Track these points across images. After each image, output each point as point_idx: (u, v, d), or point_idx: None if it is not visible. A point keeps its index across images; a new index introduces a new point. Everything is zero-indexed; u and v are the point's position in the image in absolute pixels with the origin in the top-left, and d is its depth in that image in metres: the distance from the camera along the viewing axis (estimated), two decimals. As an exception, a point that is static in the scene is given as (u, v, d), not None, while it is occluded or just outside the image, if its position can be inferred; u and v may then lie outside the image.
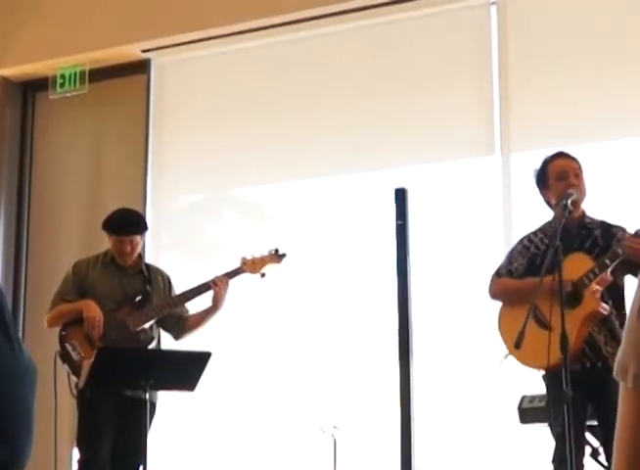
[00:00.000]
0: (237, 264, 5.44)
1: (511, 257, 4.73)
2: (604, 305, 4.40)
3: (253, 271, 5.43)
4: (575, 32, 5.91)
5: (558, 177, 4.59)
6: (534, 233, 4.71)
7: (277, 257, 5.50)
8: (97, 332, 5.17)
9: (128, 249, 5.32)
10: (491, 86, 6.05)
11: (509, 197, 5.89)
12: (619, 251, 4.34)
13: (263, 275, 5.44)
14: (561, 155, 4.68)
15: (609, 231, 4.55)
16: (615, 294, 4.47)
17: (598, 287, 4.39)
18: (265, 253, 5.49)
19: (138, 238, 5.38)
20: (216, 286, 5.31)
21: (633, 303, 1.34)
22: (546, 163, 4.67)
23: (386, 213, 4.19)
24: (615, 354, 4.33)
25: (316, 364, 6.16)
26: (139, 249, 5.42)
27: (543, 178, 4.66)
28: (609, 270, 4.38)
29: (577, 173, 4.60)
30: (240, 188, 6.88)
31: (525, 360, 4.45)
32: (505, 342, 4.51)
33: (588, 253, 4.48)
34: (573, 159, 4.66)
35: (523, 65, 5.99)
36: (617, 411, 1.33)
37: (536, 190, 4.72)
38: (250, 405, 6.23)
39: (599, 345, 4.40)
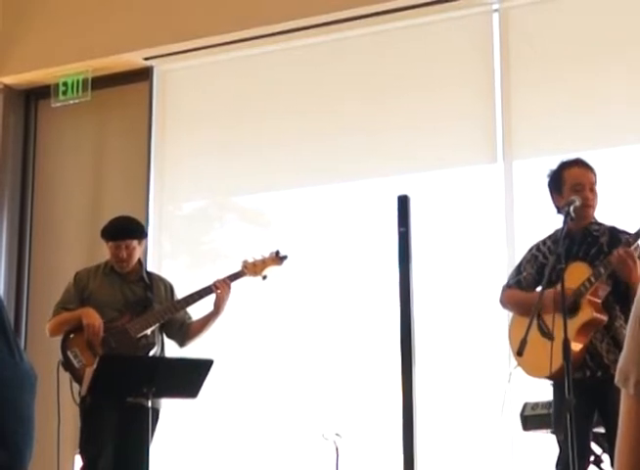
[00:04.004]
0: (238, 268, 5.44)
1: (520, 266, 4.72)
2: (598, 314, 4.39)
3: (255, 274, 5.42)
4: (577, 39, 5.91)
5: (573, 188, 4.48)
6: (543, 242, 4.66)
7: (278, 258, 5.49)
8: (97, 338, 5.18)
9: (124, 254, 5.31)
10: (493, 94, 6.04)
11: (511, 204, 5.88)
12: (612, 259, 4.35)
13: (265, 277, 5.43)
14: (579, 163, 4.57)
15: (616, 237, 4.49)
16: (622, 299, 4.45)
17: (595, 296, 4.38)
18: (266, 255, 5.48)
19: (134, 243, 5.36)
20: (217, 289, 5.30)
21: (634, 311, 1.34)
22: (562, 168, 4.56)
23: (388, 221, 4.20)
24: (616, 362, 4.30)
25: (318, 371, 6.15)
26: (136, 255, 5.40)
27: (558, 184, 4.56)
28: (604, 278, 4.37)
29: (593, 187, 4.51)
30: (242, 195, 6.88)
31: (529, 370, 4.45)
32: (512, 350, 4.51)
33: (593, 260, 4.46)
34: (591, 169, 4.55)
35: (525, 72, 5.99)
36: (619, 418, 1.33)
37: (543, 192, 4.66)
38: (252, 412, 6.23)
39: (600, 353, 4.39)
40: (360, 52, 6.46)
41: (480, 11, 6.14)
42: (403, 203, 3.92)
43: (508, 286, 4.72)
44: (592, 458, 4.52)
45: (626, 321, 4.65)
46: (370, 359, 5.94)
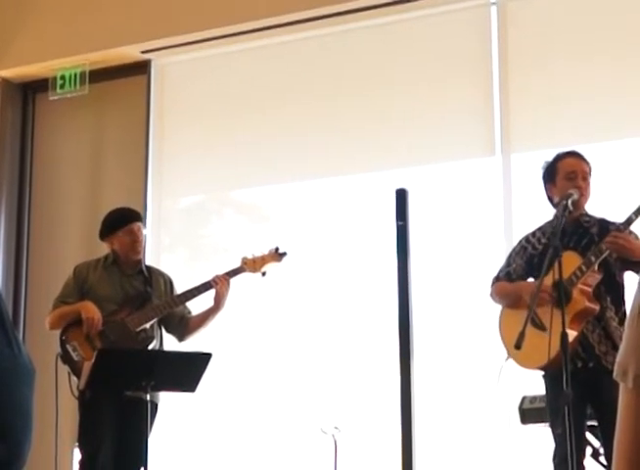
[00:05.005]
0: (237, 264, 5.45)
1: (510, 258, 4.75)
2: (591, 304, 4.39)
3: (254, 270, 5.43)
4: (576, 33, 5.91)
5: (566, 176, 4.57)
6: (532, 233, 4.72)
7: (277, 255, 5.50)
8: (96, 332, 5.18)
9: (140, 237, 5.37)
10: (492, 87, 6.04)
11: (509, 197, 5.89)
12: (603, 247, 4.36)
13: (264, 274, 5.44)
14: (573, 154, 4.66)
15: (606, 228, 4.52)
16: (613, 291, 4.47)
17: (586, 286, 4.39)
18: (265, 251, 5.49)
19: (142, 228, 5.43)
20: (217, 285, 5.31)
21: (633, 304, 1.34)
22: (557, 159, 4.65)
23: (386, 214, 4.19)
24: (607, 354, 4.30)
25: (317, 365, 6.16)
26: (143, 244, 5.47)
27: (551, 174, 4.64)
28: (595, 267, 4.39)
29: (586, 176, 4.58)
30: (240, 189, 6.88)
31: (523, 362, 4.45)
32: (504, 343, 4.51)
33: (584, 251, 4.47)
34: (585, 160, 4.63)
35: (523, 65, 5.99)
36: (617, 412, 1.33)
37: (540, 185, 4.71)
38: (250, 406, 6.23)
39: (592, 344, 4.39)
40: (357, 46, 6.45)
41: (477, 3, 6.14)
42: (401, 196, 3.91)
43: (497, 278, 4.74)
44: (590, 451, 4.53)
45: (617, 313, 4.67)
46: (368, 353, 5.95)
